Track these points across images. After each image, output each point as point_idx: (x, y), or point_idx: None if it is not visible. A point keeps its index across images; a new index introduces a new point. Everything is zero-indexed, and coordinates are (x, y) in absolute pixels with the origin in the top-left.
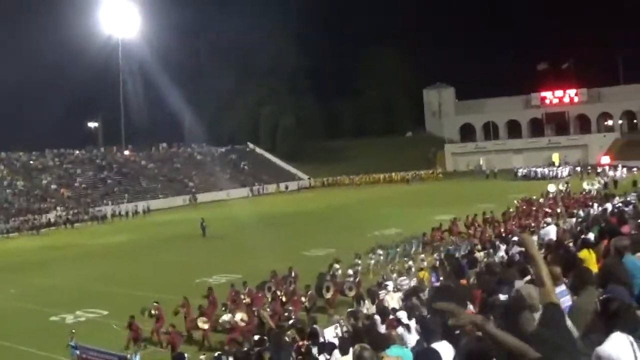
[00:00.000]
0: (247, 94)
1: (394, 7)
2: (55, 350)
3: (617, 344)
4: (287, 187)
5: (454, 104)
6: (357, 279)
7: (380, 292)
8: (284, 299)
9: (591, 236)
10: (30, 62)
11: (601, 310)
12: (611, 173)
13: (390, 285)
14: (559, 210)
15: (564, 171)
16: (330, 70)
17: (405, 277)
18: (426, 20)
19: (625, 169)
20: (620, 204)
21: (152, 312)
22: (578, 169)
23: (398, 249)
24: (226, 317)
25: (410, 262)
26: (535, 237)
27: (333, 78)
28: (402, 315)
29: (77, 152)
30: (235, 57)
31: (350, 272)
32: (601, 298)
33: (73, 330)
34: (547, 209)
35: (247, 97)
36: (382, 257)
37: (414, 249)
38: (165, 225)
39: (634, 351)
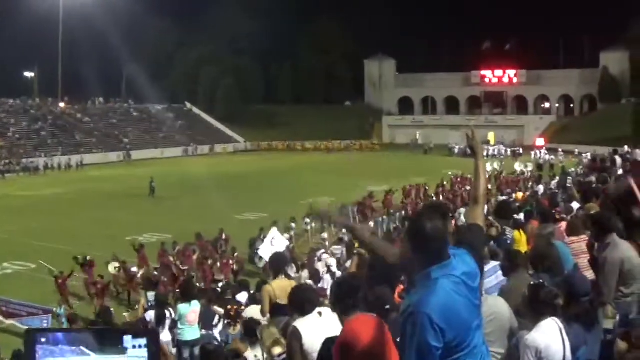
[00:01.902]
0: (188, 52)
1: None
2: None
3: (545, 332)
4: (234, 149)
5: (394, 76)
6: (292, 245)
7: (314, 258)
8: (209, 261)
9: (522, 217)
10: None
11: (530, 297)
12: (547, 156)
13: (322, 253)
14: (489, 187)
15: (500, 150)
16: (273, 36)
17: (339, 246)
18: None
19: (561, 153)
20: (553, 187)
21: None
22: (513, 149)
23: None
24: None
25: (344, 235)
26: (462, 212)
27: (275, 44)
28: (332, 262)
29: (12, 101)
30: (179, 14)
31: (286, 236)
32: (530, 284)
33: None
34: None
35: (188, 57)
36: (314, 224)
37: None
38: (98, 181)
39: (562, 337)
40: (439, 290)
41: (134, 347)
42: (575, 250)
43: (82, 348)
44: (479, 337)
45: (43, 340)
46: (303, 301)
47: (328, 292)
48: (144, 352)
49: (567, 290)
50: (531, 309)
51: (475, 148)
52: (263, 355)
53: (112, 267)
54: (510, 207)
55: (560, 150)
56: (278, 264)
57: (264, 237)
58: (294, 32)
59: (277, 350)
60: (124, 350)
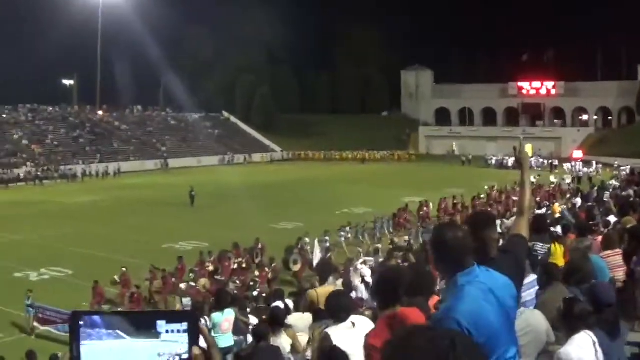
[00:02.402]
0: (226, 62)
1: None
2: (16, 306)
3: (578, 346)
4: (271, 159)
5: (431, 87)
6: (329, 255)
7: (350, 268)
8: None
9: (559, 229)
10: (9, 15)
11: (564, 311)
12: (585, 169)
13: (358, 263)
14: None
15: (537, 163)
16: (310, 45)
17: (372, 258)
18: (409, 2)
19: (599, 165)
20: (591, 200)
21: (117, 279)
22: (549, 161)
23: (366, 229)
24: (183, 285)
25: (379, 245)
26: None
27: (312, 53)
28: (367, 272)
29: (51, 108)
30: (217, 24)
31: (318, 248)
32: (565, 298)
33: (30, 290)
34: (515, 198)
35: (226, 66)
36: (350, 235)
37: (385, 230)
38: (135, 189)
39: (595, 351)
40: (466, 296)
41: (167, 331)
42: (611, 264)
43: (117, 331)
44: (512, 352)
45: (81, 323)
46: (338, 308)
47: (362, 302)
48: (178, 337)
49: (590, 299)
50: (565, 323)
51: (522, 161)
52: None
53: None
54: (546, 221)
55: (594, 162)
56: (325, 270)
57: (301, 245)
58: (332, 41)
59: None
60: (157, 335)
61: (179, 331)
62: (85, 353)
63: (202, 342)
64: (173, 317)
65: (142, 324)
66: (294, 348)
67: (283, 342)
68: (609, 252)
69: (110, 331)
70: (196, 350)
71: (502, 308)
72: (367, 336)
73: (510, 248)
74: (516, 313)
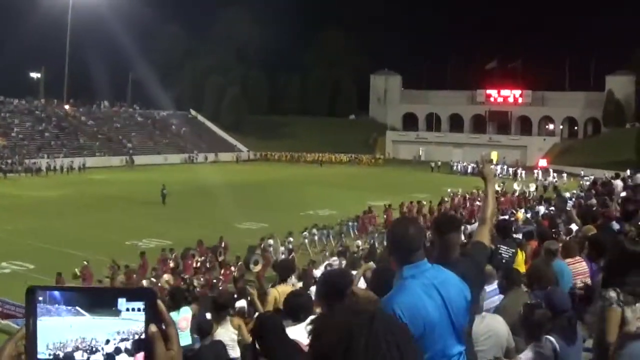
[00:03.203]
0: (196, 60)
1: None
2: None
3: (538, 352)
4: (237, 158)
5: (399, 91)
6: (291, 255)
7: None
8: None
9: (520, 236)
10: None
11: (524, 317)
12: (550, 178)
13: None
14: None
15: (502, 170)
16: (280, 46)
17: (336, 258)
18: (379, 7)
19: (564, 174)
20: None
21: (77, 272)
22: (513, 169)
23: (332, 231)
24: (145, 282)
25: (341, 248)
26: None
27: (282, 55)
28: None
29: (17, 101)
30: (188, 22)
31: (282, 249)
32: (526, 304)
33: None
34: (479, 204)
35: (195, 64)
36: (316, 237)
37: (350, 233)
38: (99, 184)
39: (555, 357)
40: (407, 288)
41: (127, 309)
42: (575, 270)
43: (77, 308)
44: (456, 349)
45: (40, 299)
46: (297, 307)
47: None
48: (138, 315)
49: (547, 305)
50: (525, 329)
51: (485, 175)
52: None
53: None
54: (511, 226)
55: (564, 174)
56: (285, 269)
57: (264, 246)
58: (302, 43)
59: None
60: (117, 313)
61: (139, 309)
62: (43, 328)
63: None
64: (133, 294)
65: (102, 301)
66: (241, 336)
67: (227, 332)
68: (569, 259)
69: (70, 307)
70: (153, 328)
71: (445, 305)
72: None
73: (471, 253)
74: (466, 314)
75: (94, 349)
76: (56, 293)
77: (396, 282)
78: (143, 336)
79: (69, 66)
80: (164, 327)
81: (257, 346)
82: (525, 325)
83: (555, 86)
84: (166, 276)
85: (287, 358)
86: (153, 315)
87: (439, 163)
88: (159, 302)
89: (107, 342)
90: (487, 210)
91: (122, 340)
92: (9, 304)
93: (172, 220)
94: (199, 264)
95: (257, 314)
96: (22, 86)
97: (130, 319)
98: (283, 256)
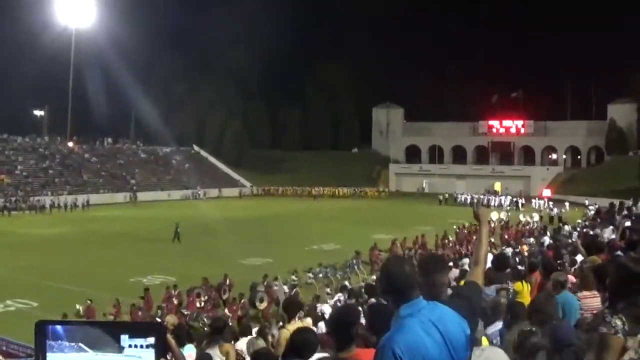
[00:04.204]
0: (198, 95)
1: (349, 24)
2: None
3: None
4: (240, 194)
5: (402, 124)
6: (295, 290)
7: (316, 306)
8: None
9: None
10: None
11: (517, 344)
12: (555, 209)
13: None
14: (492, 240)
15: (506, 201)
16: (282, 79)
17: (341, 294)
18: (380, 40)
19: (567, 204)
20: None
21: (80, 309)
22: (514, 199)
23: (338, 271)
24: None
25: (346, 282)
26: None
27: (284, 88)
28: (326, 309)
29: (21, 139)
30: (190, 58)
31: (285, 288)
32: (521, 330)
33: None
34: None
35: (198, 99)
36: (321, 275)
37: (355, 269)
38: (103, 221)
39: None
40: (405, 327)
41: (130, 346)
42: (587, 306)
43: (80, 344)
44: None
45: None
46: (301, 345)
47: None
48: (141, 352)
49: (551, 339)
50: (518, 356)
51: (479, 217)
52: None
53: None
54: (507, 259)
55: (567, 204)
56: (292, 307)
57: (267, 282)
58: (303, 77)
59: None
60: (120, 349)
61: (142, 346)
62: None
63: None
64: (139, 329)
65: (106, 337)
66: None
67: (214, 357)
68: (586, 293)
69: (73, 344)
70: None
71: (445, 342)
72: None
73: (464, 293)
74: (467, 349)
75: None
76: (59, 329)
77: (394, 322)
78: None
79: (72, 103)
80: None
81: None
82: (517, 352)
83: (557, 116)
84: (170, 318)
85: None
86: (163, 350)
87: (447, 195)
88: (169, 336)
89: None
90: (481, 251)
91: None
92: (13, 343)
93: (176, 257)
94: (203, 302)
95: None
96: (25, 124)
97: (133, 356)
98: (286, 294)
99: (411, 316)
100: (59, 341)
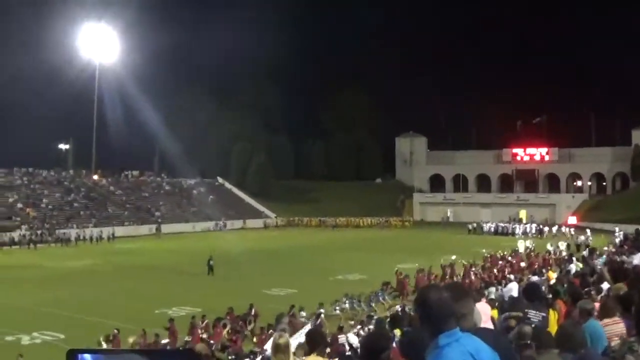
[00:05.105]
0: (221, 128)
1: (372, 53)
2: None
3: None
4: (265, 225)
5: (425, 153)
6: (319, 322)
7: (339, 336)
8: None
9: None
10: (6, 81)
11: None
12: (582, 237)
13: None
14: (522, 265)
15: (531, 229)
16: (305, 110)
17: (368, 325)
18: (403, 69)
19: (588, 231)
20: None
21: (106, 338)
22: (538, 227)
23: (363, 302)
24: None
25: (372, 313)
26: (492, 291)
27: (307, 119)
28: (354, 340)
29: (46, 172)
30: (214, 90)
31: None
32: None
33: (20, 354)
34: (510, 259)
35: (221, 132)
36: (347, 305)
37: (379, 299)
38: (129, 253)
39: None
40: (444, 356)
41: None
42: (609, 333)
43: None
44: None
45: None
46: None
47: None
48: None
49: None
50: None
51: None
52: None
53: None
54: (538, 288)
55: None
56: (315, 339)
57: (293, 312)
58: (325, 108)
59: None
60: None
61: None
62: None
63: None
64: (174, 356)
65: None
66: None
67: None
68: (607, 320)
69: None
70: None
71: None
72: None
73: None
74: None
75: None
76: (88, 358)
77: (431, 351)
78: None
79: (96, 137)
80: None
81: None
82: None
83: (581, 142)
84: (199, 346)
85: None
86: None
87: (475, 225)
88: None
89: None
90: None
91: None
92: None
93: (201, 288)
94: (229, 332)
95: None
96: (50, 157)
97: None
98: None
99: (449, 346)
100: None
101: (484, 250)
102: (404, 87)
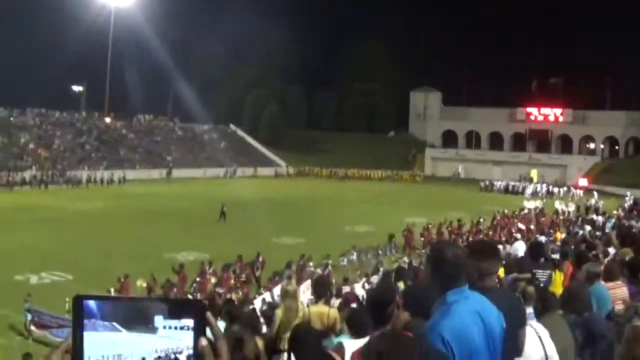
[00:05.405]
0: (236, 76)
1: (391, 7)
2: (15, 309)
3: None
4: (276, 173)
5: (439, 108)
6: (327, 272)
7: (344, 287)
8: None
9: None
10: (22, 22)
11: None
12: (593, 200)
13: (357, 287)
14: (532, 227)
15: (542, 189)
16: (320, 62)
17: (375, 275)
18: (420, 24)
19: (595, 194)
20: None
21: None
22: (555, 189)
23: (370, 254)
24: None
25: (379, 266)
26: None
27: (321, 70)
28: (360, 292)
29: (59, 114)
30: (229, 38)
31: (318, 270)
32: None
33: (29, 293)
34: (520, 225)
35: (235, 79)
36: (354, 257)
37: (387, 253)
38: (139, 197)
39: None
40: (453, 313)
41: (164, 327)
42: (612, 296)
43: (113, 323)
44: None
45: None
46: (359, 324)
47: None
48: (175, 333)
49: (585, 331)
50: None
51: None
52: None
53: (139, 284)
54: (542, 248)
55: (595, 193)
56: (321, 287)
57: (302, 263)
58: (340, 60)
59: None
60: (154, 330)
61: (176, 328)
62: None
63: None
64: (177, 308)
65: (139, 317)
66: None
67: None
68: (610, 284)
69: (106, 323)
70: (203, 342)
71: (487, 332)
72: (353, 354)
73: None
74: (501, 343)
75: None
76: (93, 306)
77: (439, 307)
78: (191, 351)
79: (110, 80)
80: (213, 339)
81: (291, 356)
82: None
83: (596, 105)
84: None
85: None
86: (203, 328)
87: (487, 182)
88: (209, 314)
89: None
90: None
91: (157, 358)
92: (45, 314)
93: (210, 234)
94: (237, 278)
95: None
96: (64, 99)
97: (168, 337)
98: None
99: (457, 303)
100: (92, 319)
101: (497, 208)
102: (419, 41)
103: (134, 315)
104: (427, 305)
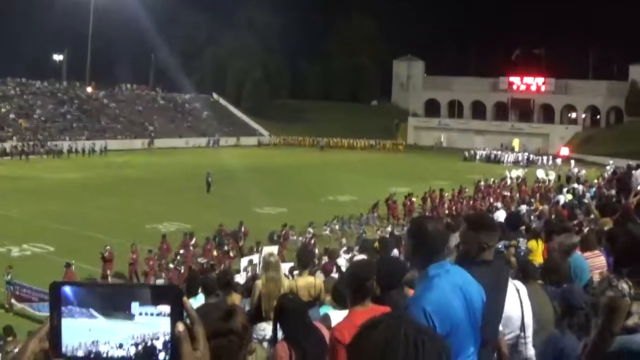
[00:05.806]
0: (218, 44)
1: None
2: None
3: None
4: (259, 143)
5: (422, 78)
6: (312, 241)
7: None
8: (232, 253)
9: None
10: None
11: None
12: (575, 169)
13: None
14: (509, 194)
15: (523, 158)
16: (303, 32)
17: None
18: None
19: (572, 162)
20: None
21: (104, 254)
22: (536, 157)
23: (352, 222)
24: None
25: (363, 235)
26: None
27: (305, 40)
28: (342, 262)
29: (40, 83)
30: (212, 6)
31: (300, 238)
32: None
33: (10, 266)
34: (505, 193)
35: (218, 48)
36: (337, 227)
37: (370, 222)
38: (121, 167)
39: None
40: (435, 286)
41: (140, 314)
42: (592, 265)
43: (90, 310)
44: (470, 350)
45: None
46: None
47: None
48: (151, 320)
49: (563, 302)
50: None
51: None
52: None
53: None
54: (519, 217)
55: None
56: (305, 256)
57: (285, 231)
58: (325, 28)
59: None
60: (131, 317)
61: (152, 314)
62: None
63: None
64: (153, 294)
65: (115, 303)
66: None
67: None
68: (587, 253)
69: (83, 309)
70: (180, 327)
71: (468, 305)
72: (333, 329)
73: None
74: (481, 316)
75: (106, 354)
76: (69, 293)
77: (421, 281)
78: (168, 337)
79: (92, 49)
80: (189, 325)
81: (277, 327)
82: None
83: (578, 74)
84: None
85: (306, 341)
86: (179, 313)
87: (472, 152)
88: (185, 299)
89: (120, 346)
90: None
91: (134, 344)
92: (26, 287)
93: (192, 204)
94: (219, 249)
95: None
96: (45, 68)
97: (144, 324)
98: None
99: (439, 277)
100: (69, 306)
101: (478, 177)
102: (404, 10)
103: (111, 302)
104: (396, 279)
